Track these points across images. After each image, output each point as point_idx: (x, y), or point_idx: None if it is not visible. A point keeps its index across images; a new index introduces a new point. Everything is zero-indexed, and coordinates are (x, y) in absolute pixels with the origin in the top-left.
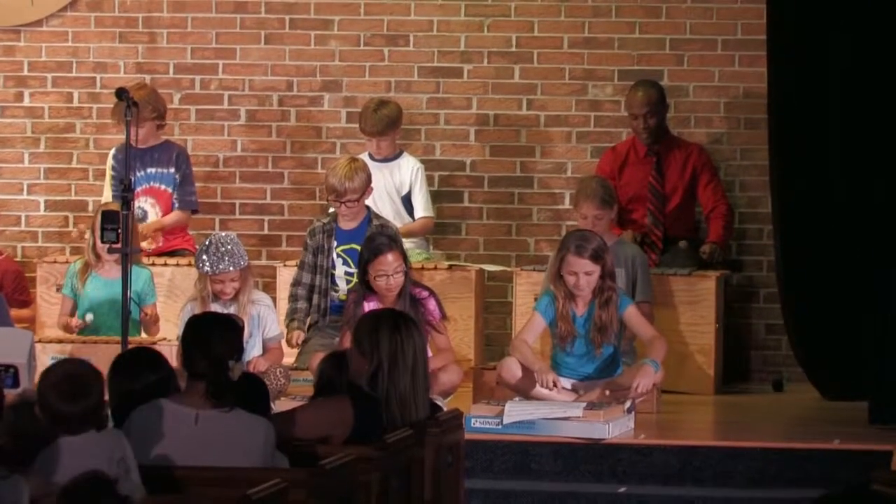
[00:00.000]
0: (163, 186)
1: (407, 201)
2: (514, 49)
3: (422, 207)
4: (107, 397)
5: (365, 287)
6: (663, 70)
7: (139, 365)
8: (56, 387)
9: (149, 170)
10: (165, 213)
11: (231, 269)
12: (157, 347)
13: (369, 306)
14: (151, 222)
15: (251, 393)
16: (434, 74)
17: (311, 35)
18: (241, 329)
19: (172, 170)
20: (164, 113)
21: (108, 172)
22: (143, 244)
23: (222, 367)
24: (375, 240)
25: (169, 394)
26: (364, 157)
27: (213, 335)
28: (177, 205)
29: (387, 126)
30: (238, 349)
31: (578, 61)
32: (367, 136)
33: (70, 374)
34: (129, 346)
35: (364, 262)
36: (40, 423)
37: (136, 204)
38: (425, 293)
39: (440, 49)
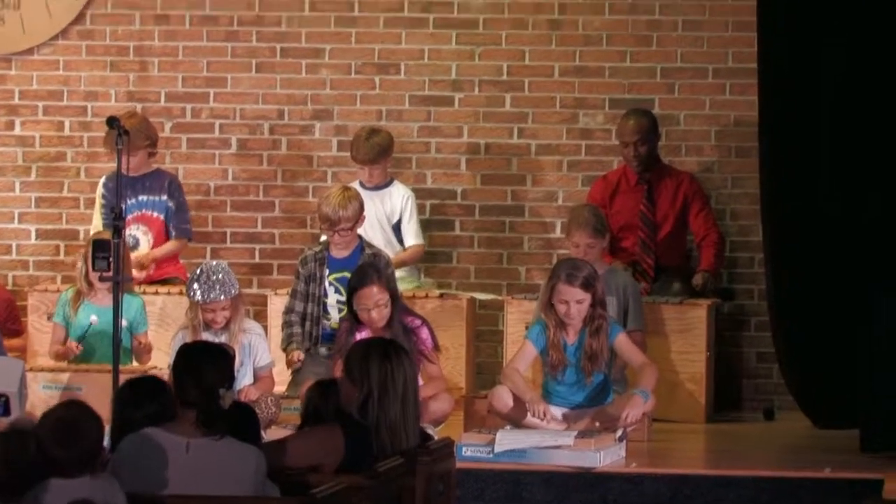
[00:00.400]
0: (155, 213)
1: (398, 229)
2: (505, 77)
3: (412, 235)
4: (106, 436)
5: (355, 317)
6: (654, 98)
7: (144, 393)
8: (52, 430)
9: (140, 197)
10: (158, 241)
11: (222, 297)
12: (160, 375)
13: (361, 335)
14: (150, 252)
15: (241, 421)
16: (425, 103)
17: (302, 63)
18: (233, 358)
19: (164, 197)
20: (156, 141)
21: (98, 201)
22: (138, 273)
23: (213, 395)
24: (361, 271)
25: (163, 422)
26: (355, 185)
27: (205, 364)
28: (173, 233)
29: (378, 154)
30: (229, 378)
31: (569, 90)
32: (358, 165)
33: (66, 418)
34: (133, 375)
35: (349, 292)
36: (32, 453)
37: (128, 232)
38: (418, 322)
39: (431, 77)
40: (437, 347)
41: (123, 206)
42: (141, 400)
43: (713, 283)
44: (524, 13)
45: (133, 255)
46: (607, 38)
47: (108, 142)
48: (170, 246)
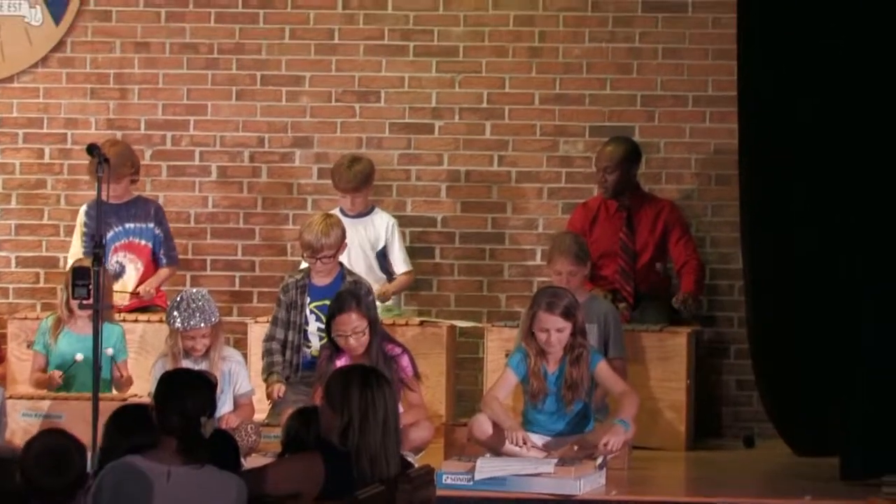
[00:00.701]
0: (142, 241)
1: (381, 257)
2: (485, 105)
3: (401, 262)
4: (89, 463)
5: (334, 344)
6: (634, 126)
7: (134, 422)
8: (38, 460)
9: (127, 225)
10: (147, 269)
11: (202, 325)
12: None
13: (341, 363)
14: (151, 281)
15: (221, 449)
16: (405, 130)
17: (282, 91)
18: (214, 386)
19: (152, 224)
20: (139, 168)
21: (79, 228)
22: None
23: (195, 423)
24: (339, 298)
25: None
26: (336, 212)
27: (186, 392)
28: (164, 261)
29: (361, 182)
30: (211, 406)
31: (550, 117)
32: (340, 193)
33: (54, 446)
34: (124, 402)
35: (328, 318)
36: (14, 480)
37: (114, 259)
38: (398, 349)
39: (411, 105)
40: (417, 375)
41: (108, 234)
42: (130, 428)
43: (693, 304)
44: (504, 41)
45: (117, 286)
46: (587, 66)
47: (92, 170)
48: (164, 274)
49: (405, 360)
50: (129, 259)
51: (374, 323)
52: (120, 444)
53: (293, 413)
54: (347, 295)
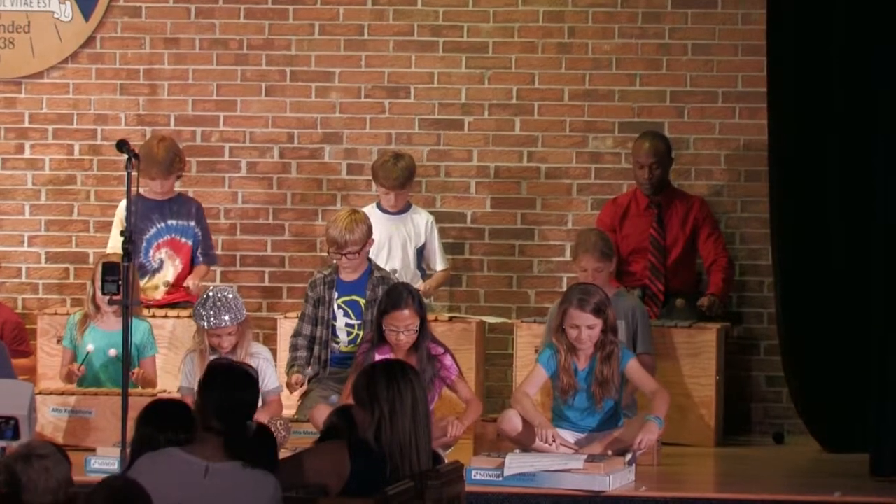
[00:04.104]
0: (183, 239)
1: (419, 253)
2: (514, 101)
3: (440, 260)
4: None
5: (379, 336)
6: (664, 122)
7: (170, 418)
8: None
9: (169, 222)
10: (185, 267)
11: (229, 323)
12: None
13: (381, 356)
14: (192, 277)
15: (260, 444)
16: (435, 126)
17: (311, 87)
18: (257, 382)
19: (193, 223)
20: (185, 164)
21: (118, 224)
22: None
23: (239, 422)
24: (395, 293)
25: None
26: (371, 209)
27: (235, 391)
28: (201, 259)
29: (406, 179)
30: (256, 406)
31: (579, 113)
32: (384, 190)
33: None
34: (162, 397)
35: (381, 312)
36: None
37: (156, 255)
38: (441, 349)
39: (441, 101)
40: (460, 373)
41: (151, 230)
42: (163, 423)
43: (720, 306)
44: (534, 37)
45: (153, 281)
46: (617, 62)
47: (138, 166)
48: (202, 271)
49: (448, 360)
50: (168, 255)
51: (424, 321)
52: (152, 438)
53: (334, 410)
54: (403, 290)
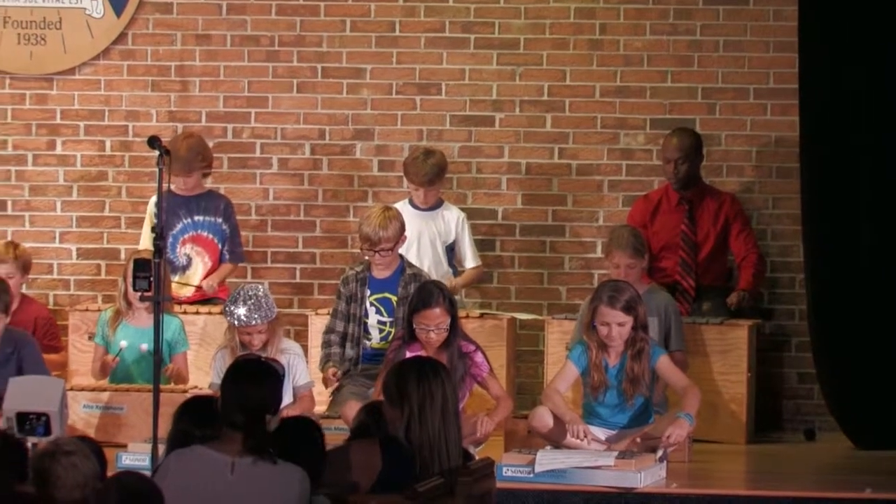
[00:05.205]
0: (210, 236)
1: (450, 250)
2: (545, 98)
3: (471, 257)
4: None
5: (409, 334)
6: (695, 119)
7: (206, 414)
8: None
9: (196, 217)
10: (213, 263)
11: (259, 321)
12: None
13: (412, 354)
14: (214, 276)
15: (297, 436)
16: (466, 123)
17: (343, 84)
18: (281, 378)
19: (220, 220)
20: (212, 162)
21: (149, 220)
22: (186, 291)
23: (259, 418)
24: (426, 291)
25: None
26: (403, 205)
27: (250, 386)
28: (227, 257)
29: (436, 175)
30: (275, 401)
31: (610, 110)
32: (414, 186)
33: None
34: (199, 393)
35: (411, 309)
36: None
37: (182, 251)
38: (472, 347)
39: (472, 97)
40: (491, 370)
41: (177, 226)
42: (200, 419)
43: (749, 302)
44: (565, 34)
45: (183, 278)
46: (648, 59)
47: (178, 161)
48: (226, 269)
49: (479, 357)
50: (196, 252)
51: (455, 319)
52: (189, 434)
53: (363, 407)
54: (434, 288)
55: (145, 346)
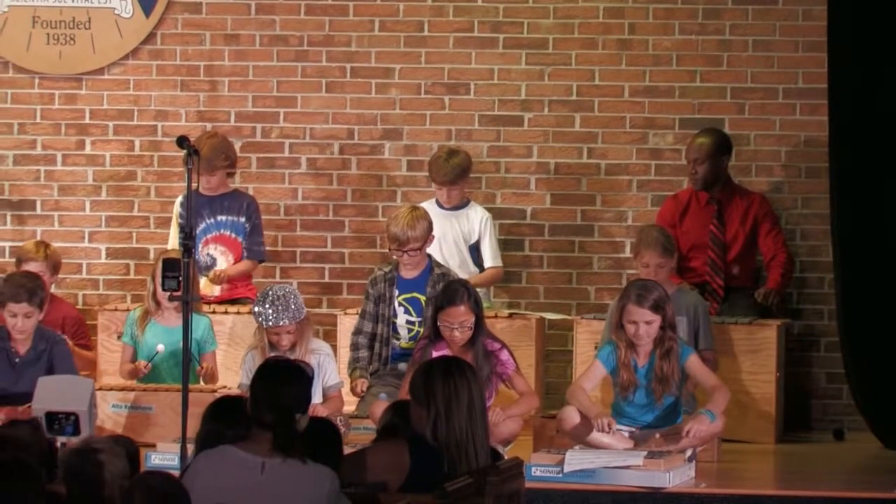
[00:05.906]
0: (233, 235)
1: (475, 250)
2: (574, 97)
3: (490, 257)
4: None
5: (436, 333)
6: (724, 118)
7: (236, 414)
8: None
9: (219, 217)
10: (236, 261)
11: (287, 322)
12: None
13: (438, 353)
14: (218, 270)
15: (320, 437)
16: (494, 123)
17: (371, 83)
18: (311, 378)
19: (243, 219)
20: (235, 161)
21: (175, 220)
22: (208, 292)
23: (289, 418)
24: (451, 290)
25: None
26: (429, 204)
27: (281, 386)
28: (245, 254)
29: (458, 175)
30: (305, 401)
31: (639, 110)
32: (437, 185)
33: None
34: (229, 393)
35: (436, 308)
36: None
37: (206, 251)
38: (497, 345)
39: (501, 97)
40: (517, 368)
41: (200, 226)
42: (230, 419)
43: (776, 300)
44: (594, 33)
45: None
46: (677, 59)
47: (206, 159)
48: (241, 266)
49: (505, 355)
50: (220, 252)
51: (480, 318)
52: (220, 434)
53: (390, 406)
54: (459, 287)
55: (161, 347)
